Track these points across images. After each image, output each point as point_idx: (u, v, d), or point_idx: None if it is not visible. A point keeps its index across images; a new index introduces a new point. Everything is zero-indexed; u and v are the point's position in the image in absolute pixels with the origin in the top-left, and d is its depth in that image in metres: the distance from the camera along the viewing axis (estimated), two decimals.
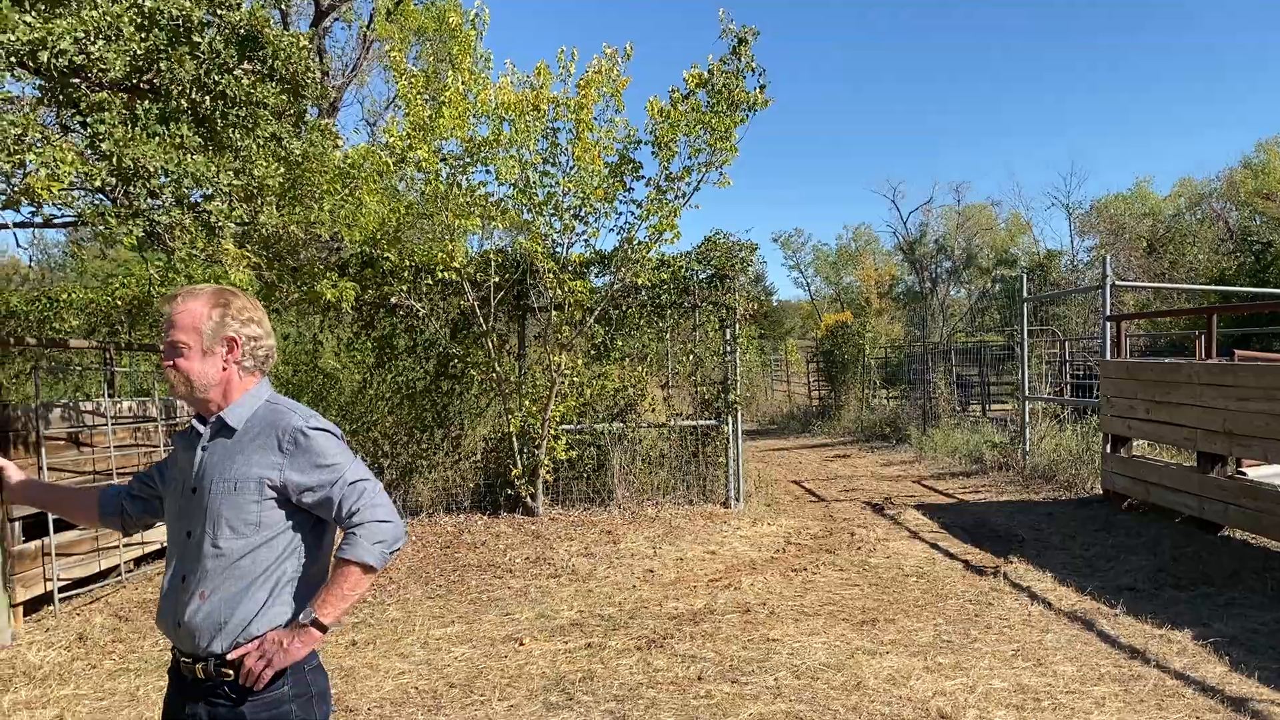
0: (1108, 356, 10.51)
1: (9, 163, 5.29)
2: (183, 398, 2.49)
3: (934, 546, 8.43)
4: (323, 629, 2.32)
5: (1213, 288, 18.32)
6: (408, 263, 9.50)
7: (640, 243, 9.40)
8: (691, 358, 10.54)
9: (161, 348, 2.45)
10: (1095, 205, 42.60)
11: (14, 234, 7.08)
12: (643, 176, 9.17)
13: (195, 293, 2.46)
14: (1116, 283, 11.62)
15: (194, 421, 2.48)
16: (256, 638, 2.31)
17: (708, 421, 10.38)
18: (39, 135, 5.42)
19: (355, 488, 2.36)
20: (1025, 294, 13.37)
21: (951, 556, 8.04)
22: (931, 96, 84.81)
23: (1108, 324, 10.68)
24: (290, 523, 2.38)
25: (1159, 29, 76.91)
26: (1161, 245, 33.38)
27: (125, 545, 7.57)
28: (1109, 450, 9.91)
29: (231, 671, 2.30)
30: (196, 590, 2.33)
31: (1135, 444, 10.01)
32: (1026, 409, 12.64)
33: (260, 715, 2.30)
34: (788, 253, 59.14)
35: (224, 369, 2.44)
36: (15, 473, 2.76)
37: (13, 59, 5.27)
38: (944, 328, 38.32)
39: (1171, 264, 31.90)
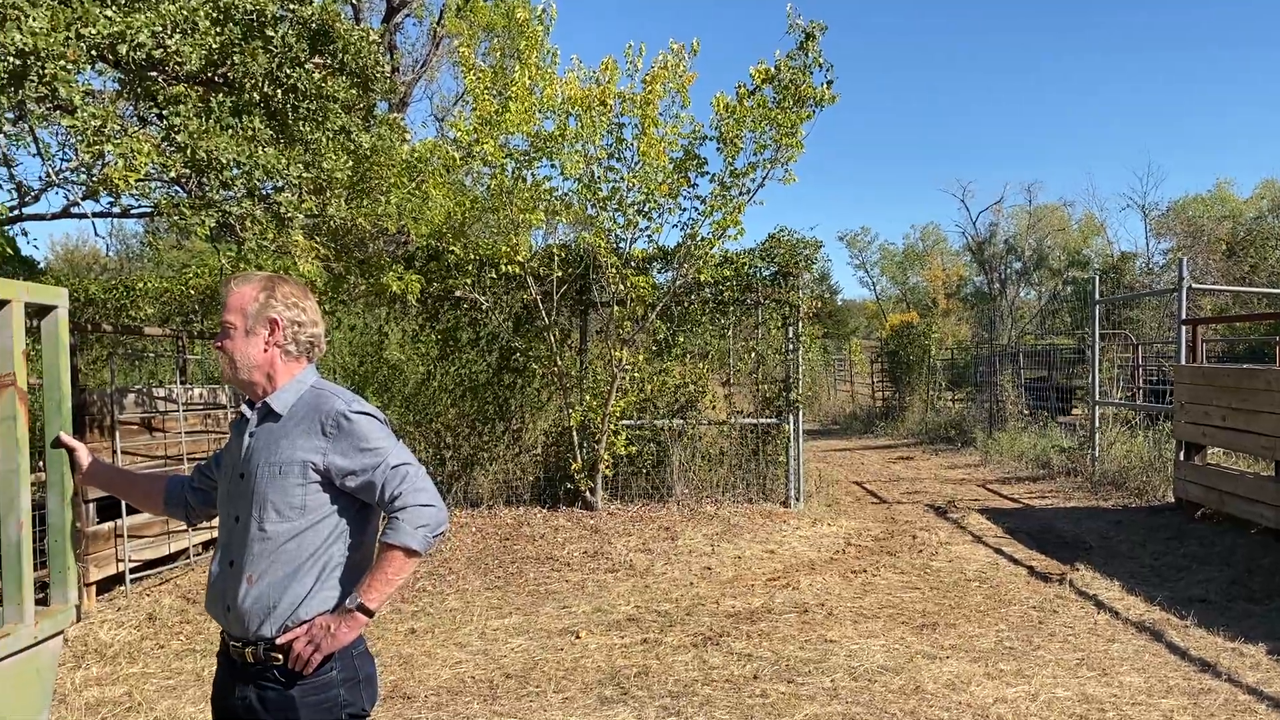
0: (1183, 361, 10.22)
1: (89, 153, 5.43)
2: (229, 380, 2.52)
3: (998, 551, 8.28)
4: (369, 614, 2.33)
5: None
6: (472, 256, 9.58)
7: (704, 239, 9.37)
8: (754, 355, 10.47)
9: None
10: (1173, 207, 41.51)
11: (93, 224, 7.27)
12: (707, 172, 9.14)
13: (248, 277, 2.50)
14: (1193, 286, 11.29)
15: (243, 408, 2.52)
16: (305, 622, 2.33)
17: (769, 420, 10.31)
18: (117, 127, 5.56)
19: (398, 471, 2.35)
20: (1097, 296, 13.07)
21: (1016, 562, 7.89)
22: (1005, 94, 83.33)
23: (1183, 328, 10.38)
24: (335, 507, 2.38)
25: (1241, 27, 74.67)
26: (1242, 248, 32.38)
27: (195, 529, 7.75)
28: (1182, 457, 9.64)
29: (280, 655, 2.32)
30: (245, 574, 2.35)
31: (1210, 452, 9.72)
32: (1097, 414, 12.35)
33: (309, 698, 2.32)
34: (853, 251, 58.57)
35: (265, 350, 2.46)
36: (85, 455, 2.83)
37: (93, 52, 5.42)
38: (1012, 330, 37.64)
39: (1252, 268, 30.94)
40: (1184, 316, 10.56)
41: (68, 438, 2.80)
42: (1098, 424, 12.31)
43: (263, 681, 2.35)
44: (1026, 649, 5.64)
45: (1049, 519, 9.71)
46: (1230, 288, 19.21)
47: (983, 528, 9.31)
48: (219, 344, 2.48)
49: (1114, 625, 6.09)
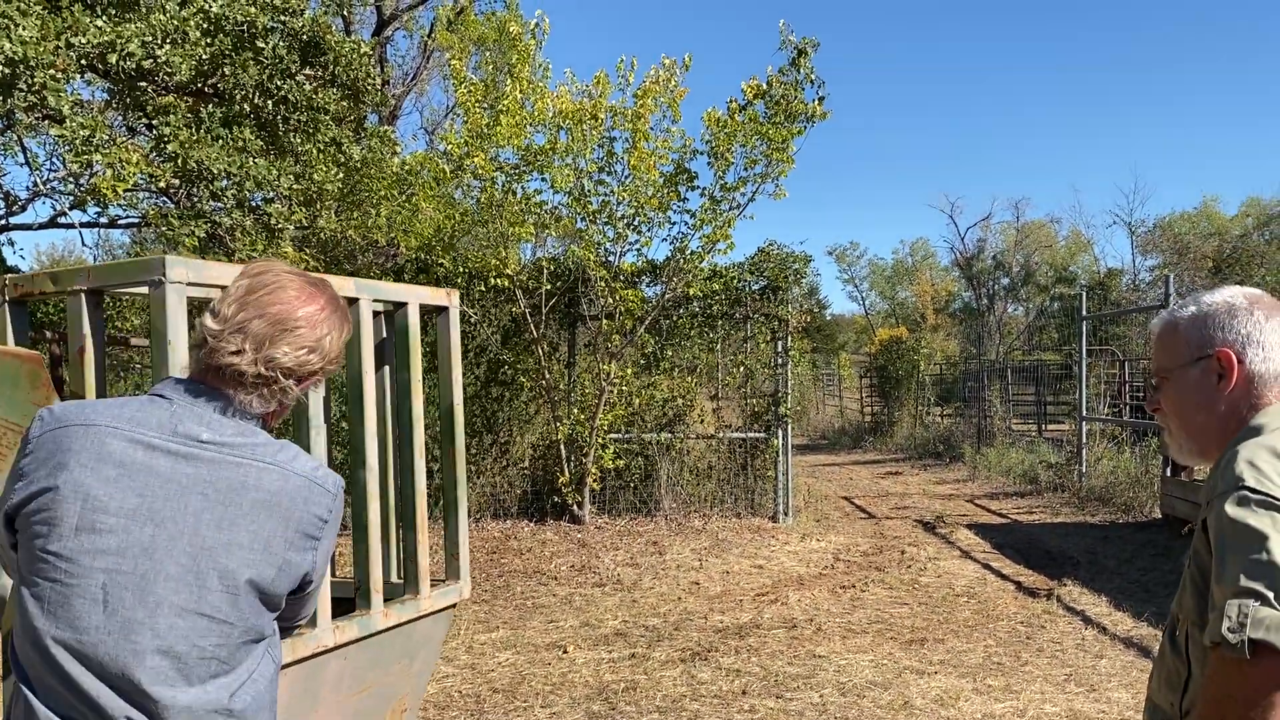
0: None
1: (77, 163, 5.42)
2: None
3: (986, 567, 8.28)
4: None
5: None
6: (461, 269, 9.58)
7: (693, 253, 9.39)
8: (742, 369, 10.48)
9: None
10: (1159, 224, 41.72)
11: (80, 234, 7.26)
12: (697, 186, 9.17)
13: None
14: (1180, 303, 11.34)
15: None
16: None
17: (757, 434, 10.31)
18: (106, 137, 5.54)
19: None
20: (1084, 312, 13.12)
21: (1003, 577, 7.89)
22: (993, 111, 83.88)
23: None
24: None
25: (1226, 47, 75.43)
26: (1228, 266, 32.58)
27: None
28: (1168, 473, 9.67)
29: None
30: None
31: (1197, 468, 9.76)
32: (1084, 429, 12.39)
33: None
34: (842, 266, 58.63)
35: None
36: None
37: (83, 62, 5.41)
38: (1000, 345, 37.77)
39: (1238, 285, 31.12)
40: None
41: None
42: (1084, 440, 12.35)
43: None
44: (1014, 665, 5.63)
45: (1036, 534, 9.72)
46: None
47: (971, 543, 9.32)
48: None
49: (1101, 641, 6.09)
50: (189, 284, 2.56)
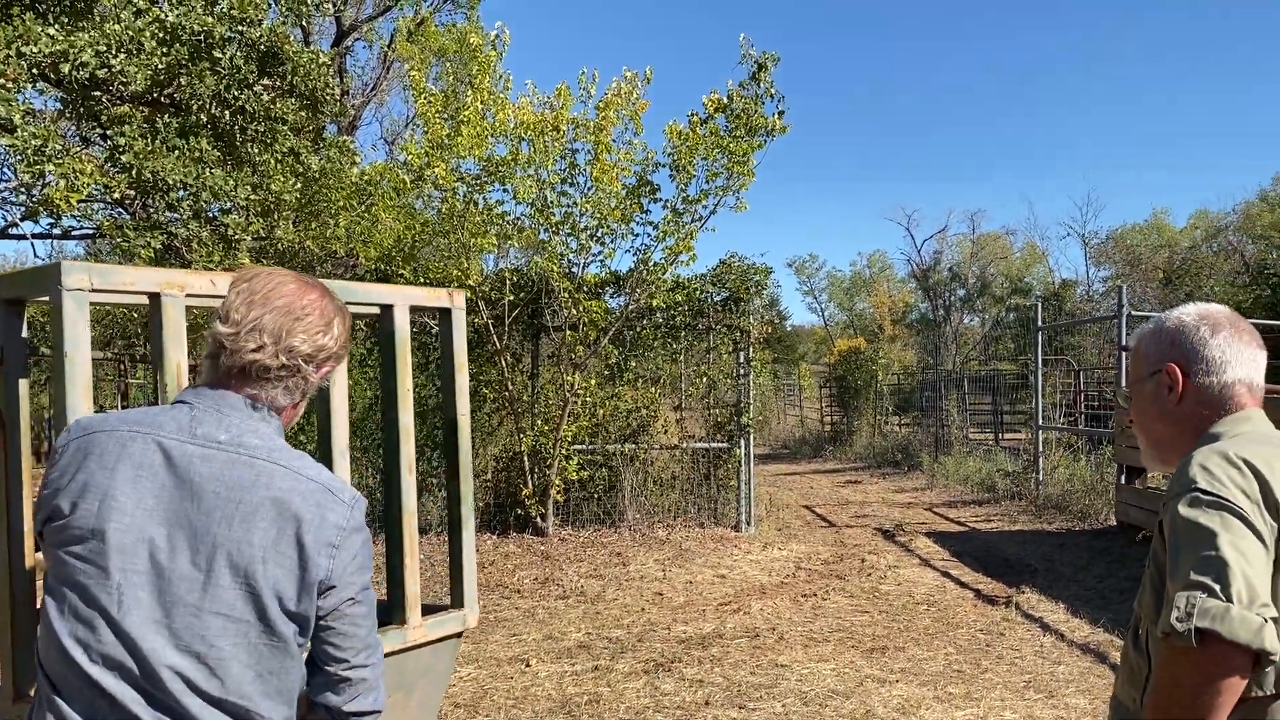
0: (1123, 386, 10.43)
1: (29, 174, 5.33)
2: None
3: (945, 575, 8.36)
4: None
5: None
6: (422, 280, 9.53)
7: (656, 264, 9.42)
8: (705, 380, 10.51)
9: None
10: (1111, 236, 42.49)
11: (32, 245, 7.14)
12: (660, 199, 9.21)
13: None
14: (1132, 313, 11.55)
15: None
16: None
17: (720, 444, 10.34)
18: (59, 147, 5.46)
19: None
20: (1039, 323, 13.31)
21: (963, 585, 7.97)
22: (949, 125, 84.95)
23: (1123, 354, 10.61)
24: None
25: (1176, 62, 77.03)
26: (1178, 277, 33.24)
27: None
28: (1123, 481, 9.82)
29: None
30: None
31: (1150, 475, 9.92)
32: (1040, 438, 12.55)
33: None
34: (802, 278, 59.05)
35: None
36: None
37: (34, 71, 5.33)
38: (957, 355, 38.20)
39: (1188, 296, 31.71)
40: (1124, 343, 10.80)
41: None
42: (1041, 448, 12.51)
43: None
44: (975, 672, 5.69)
45: (995, 542, 9.83)
46: None
47: (930, 551, 9.40)
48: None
49: (1059, 648, 6.17)
50: (92, 290, 2.47)
